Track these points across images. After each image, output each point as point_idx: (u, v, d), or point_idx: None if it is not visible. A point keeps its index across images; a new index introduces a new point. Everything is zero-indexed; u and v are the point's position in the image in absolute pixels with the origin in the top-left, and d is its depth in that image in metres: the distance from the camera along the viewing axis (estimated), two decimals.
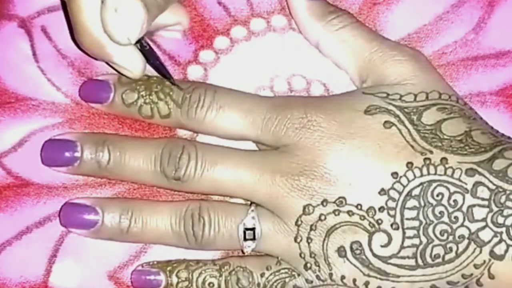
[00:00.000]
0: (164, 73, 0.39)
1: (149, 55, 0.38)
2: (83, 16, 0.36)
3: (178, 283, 0.40)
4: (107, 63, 0.39)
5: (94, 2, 0.36)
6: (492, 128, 0.40)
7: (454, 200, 0.37)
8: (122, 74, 0.39)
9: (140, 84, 0.40)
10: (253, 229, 0.40)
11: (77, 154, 0.40)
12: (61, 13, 0.42)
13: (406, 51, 0.40)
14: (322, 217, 0.38)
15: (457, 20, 0.43)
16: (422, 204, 0.38)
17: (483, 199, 0.37)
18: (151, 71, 0.40)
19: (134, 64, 0.38)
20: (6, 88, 0.42)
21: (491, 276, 0.37)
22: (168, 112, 0.40)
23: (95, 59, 0.39)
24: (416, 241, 0.38)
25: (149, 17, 0.37)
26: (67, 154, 0.40)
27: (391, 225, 0.38)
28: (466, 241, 0.37)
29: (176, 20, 0.41)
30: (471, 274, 0.38)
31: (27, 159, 0.42)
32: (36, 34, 0.42)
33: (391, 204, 0.38)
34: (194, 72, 0.43)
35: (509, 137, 0.40)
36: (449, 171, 0.38)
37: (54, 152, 0.41)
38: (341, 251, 0.38)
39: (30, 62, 0.42)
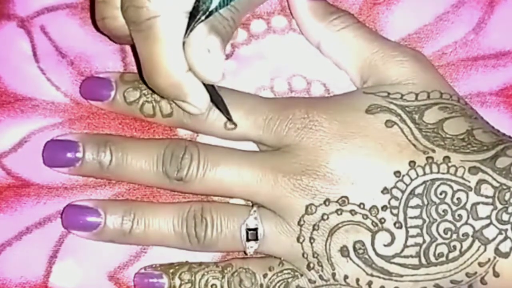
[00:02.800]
0: (223, 108, 0.39)
1: (212, 91, 0.38)
2: (164, 61, 0.36)
3: (181, 285, 0.40)
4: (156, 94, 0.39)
5: (175, 47, 0.36)
6: (493, 127, 0.40)
7: (458, 198, 0.37)
8: (184, 110, 0.39)
9: (143, 83, 0.40)
10: (255, 229, 0.39)
11: (79, 155, 0.40)
12: (60, 13, 0.42)
13: (407, 52, 0.41)
14: (325, 217, 0.38)
15: (457, 20, 0.43)
16: (426, 202, 0.38)
17: (487, 196, 0.37)
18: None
19: (204, 102, 0.38)
20: (6, 88, 0.42)
21: (496, 274, 0.37)
22: (170, 111, 0.40)
23: (154, 92, 0.39)
24: (419, 240, 0.38)
25: (224, 50, 0.37)
26: (69, 154, 0.40)
27: (394, 224, 0.38)
28: (470, 239, 0.37)
29: None
30: (475, 273, 0.38)
31: (27, 160, 0.42)
32: (36, 33, 0.42)
33: (394, 203, 0.38)
34: None
35: (510, 136, 0.40)
36: (452, 170, 0.38)
37: (56, 152, 0.40)
38: (344, 251, 0.38)
39: (29, 62, 0.42)
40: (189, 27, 0.35)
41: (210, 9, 0.35)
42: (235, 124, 0.40)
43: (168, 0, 0.35)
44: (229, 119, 0.39)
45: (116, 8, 0.36)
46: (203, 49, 0.36)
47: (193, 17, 0.35)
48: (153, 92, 0.38)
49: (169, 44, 0.35)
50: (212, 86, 0.38)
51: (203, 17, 0.35)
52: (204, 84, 0.37)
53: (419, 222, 0.38)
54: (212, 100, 0.38)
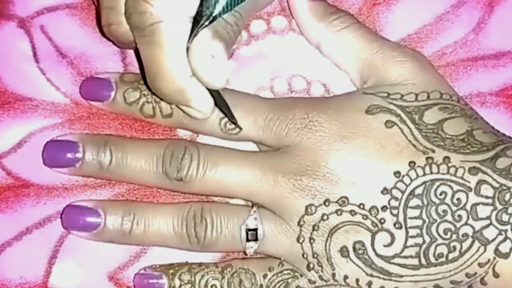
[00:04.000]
0: (227, 112, 0.39)
1: (216, 97, 0.38)
2: (168, 66, 0.36)
3: (180, 286, 0.40)
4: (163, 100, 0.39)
5: (178, 53, 0.36)
6: (493, 128, 0.40)
7: (458, 199, 0.37)
8: (187, 115, 0.39)
9: (143, 83, 0.40)
10: (255, 230, 0.39)
11: (79, 155, 0.40)
12: (60, 13, 0.42)
13: (407, 52, 0.41)
14: (325, 217, 0.38)
15: (457, 20, 0.43)
16: (425, 203, 0.38)
17: (487, 197, 0.37)
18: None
19: (208, 106, 0.38)
20: (6, 88, 0.42)
21: (496, 275, 0.37)
22: (170, 112, 0.40)
23: (160, 99, 0.39)
24: (419, 240, 0.38)
25: (227, 56, 0.37)
26: (69, 155, 0.40)
27: (394, 225, 0.38)
28: (470, 240, 0.37)
29: None
30: (475, 273, 0.38)
31: (27, 160, 0.42)
32: (36, 34, 0.42)
33: (394, 203, 0.38)
34: None
35: (510, 137, 0.40)
36: (452, 170, 0.38)
37: (56, 153, 0.40)
38: (343, 251, 0.38)
39: (29, 62, 0.42)
40: (193, 32, 0.35)
41: (213, 14, 0.35)
42: (240, 128, 0.40)
43: (172, 6, 0.35)
44: (234, 123, 0.39)
45: (121, 14, 0.36)
46: (207, 55, 0.36)
47: (196, 22, 0.35)
48: (154, 94, 0.38)
49: (172, 50, 0.35)
50: (216, 90, 0.38)
51: (206, 23, 0.35)
52: (208, 88, 0.37)
53: (419, 222, 0.38)
54: (216, 104, 0.38)
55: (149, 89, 0.38)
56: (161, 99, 0.39)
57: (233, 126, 0.40)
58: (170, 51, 0.35)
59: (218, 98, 0.38)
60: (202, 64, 0.36)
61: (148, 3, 0.35)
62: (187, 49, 0.36)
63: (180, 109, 0.39)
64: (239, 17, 0.38)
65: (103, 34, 0.39)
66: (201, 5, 0.35)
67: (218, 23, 0.36)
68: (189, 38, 0.35)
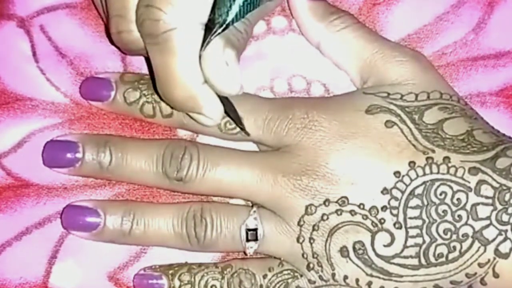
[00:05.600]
0: (236, 118, 0.39)
1: (226, 103, 0.38)
2: (180, 74, 0.36)
3: (180, 286, 0.40)
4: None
5: (191, 61, 0.36)
6: (493, 128, 0.40)
7: (458, 199, 0.37)
8: (197, 122, 0.38)
9: (143, 83, 0.40)
10: (255, 230, 0.39)
11: (79, 155, 0.40)
12: (60, 13, 0.42)
13: (407, 52, 0.41)
14: (325, 217, 0.38)
15: (457, 20, 0.43)
16: (425, 203, 0.38)
17: (487, 197, 0.37)
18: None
19: (218, 113, 0.38)
20: (5, 88, 0.42)
21: (496, 275, 0.37)
22: (170, 112, 0.40)
23: (171, 107, 0.39)
24: (419, 240, 0.38)
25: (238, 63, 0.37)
26: (68, 155, 0.40)
27: (394, 225, 0.38)
28: (470, 240, 0.37)
29: None
30: (475, 273, 0.38)
31: (27, 160, 0.42)
32: (35, 33, 0.42)
33: (394, 203, 0.38)
34: None
35: (510, 137, 0.40)
36: (452, 170, 0.38)
37: (56, 153, 0.40)
38: (343, 251, 0.38)
39: (29, 62, 0.42)
40: (206, 40, 0.35)
41: (227, 22, 0.35)
42: (248, 134, 0.39)
43: (185, 13, 0.35)
44: (242, 128, 0.39)
45: (131, 22, 0.36)
46: (221, 63, 0.36)
47: (209, 30, 0.35)
48: (156, 93, 0.38)
49: (185, 57, 0.35)
50: (225, 96, 0.38)
51: (219, 30, 0.35)
52: (218, 95, 0.37)
53: (419, 222, 0.38)
54: (225, 110, 0.38)
55: (159, 96, 0.38)
56: (171, 107, 0.38)
57: (233, 126, 0.40)
58: (183, 58, 0.35)
59: (228, 104, 0.38)
60: (216, 72, 0.36)
61: (161, 10, 0.34)
62: (200, 56, 0.36)
63: (190, 116, 0.38)
64: (248, 24, 0.38)
65: (111, 41, 0.38)
66: (213, 12, 0.35)
67: (229, 30, 0.36)
68: (202, 46, 0.35)
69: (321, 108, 0.39)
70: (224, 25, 0.35)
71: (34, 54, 0.42)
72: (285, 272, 0.39)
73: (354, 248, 0.38)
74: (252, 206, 0.40)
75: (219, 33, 0.35)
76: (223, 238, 0.40)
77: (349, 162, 0.38)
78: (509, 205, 0.37)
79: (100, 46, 0.42)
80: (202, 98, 0.36)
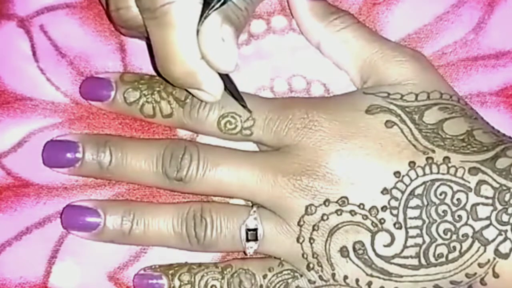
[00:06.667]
0: (237, 95, 0.39)
1: (226, 79, 0.38)
2: (179, 49, 0.36)
3: (180, 286, 0.40)
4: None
5: (189, 35, 0.35)
6: (493, 128, 0.40)
7: (458, 199, 0.37)
8: (173, 87, 0.38)
9: (143, 83, 0.40)
10: (255, 230, 0.39)
11: (79, 155, 0.40)
12: (60, 12, 0.42)
13: (406, 52, 0.41)
14: (325, 217, 0.38)
15: (457, 20, 0.43)
16: (425, 203, 0.38)
17: (487, 197, 0.37)
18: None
19: (218, 89, 0.38)
20: (5, 88, 0.42)
21: (496, 275, 0.37)
22: (170, 112, 0.40)
23: (172, 85, 0.39)
24: (419, 240, 0.38)
25: (237, 40, 0.37)
26: (68, 155, 0.40)
27: (394, 225, 0.38)
28: (470, 240, 0.37)
29: None
30: (475, 273, 0.38)
31: (27, 160, 0.42)
32: (35, 33, 0.42)
33: (394, 203, 0.38)
34: None
35: (510, 137, 0.40)
36: (452, 170, 0.38)
37: (56, 153, 0.40)
38: (343, 251, 0.38)
39: (29, 62, 0.42)
40: (203, 14, 0.35)
41: None
42: (250, 111, 0.39)
43: None
44: (244, 106, 0.39)
45: None
46: (217, 39, 0.35)
47: (207, 4, 0.35)
48: (155, 70, 0.38)
49: (183, 31, 0.35)
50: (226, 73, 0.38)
51: (217, 5, 0.35)
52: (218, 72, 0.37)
53: (419, 222, 0.38)
54: (226, 87, 0.38)
55: (158, 74, 0.37)
56: (171, 84, 0.38)
57: (233, 125, 0.40)
58: (181, 32, 0.35)
59: (228, 81, 0.38)
60: (212, 48, 0.36)
61: None
62: (197, 32, 0.36)
63: (189, 92, 0.38)
64: (249, 2, 0.38)
65: (111, 20, 0.38)
66: None
67: (228, 7, 0.36)
68: (200, 20, 0.35)
69: (321, 108, 0.39)
70: (222, 0, 0.35)
71: (34, 54, 0.42)
72: (285, 272, 0.39)
73: (354, 248, 0.38)
74: (252, 206, 0.40)
75: (217, 8, 0.35)
76: (223, 238, 0.40)
77: (349, 162, 0.38)
78: (509, 205, 0.37)
79: (100, 46, 0.42)
80: (201, 74, 0.36)
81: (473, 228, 0.37)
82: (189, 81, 0.37)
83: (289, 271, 0.39)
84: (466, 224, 0.37)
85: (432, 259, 0.38)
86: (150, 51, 0.40)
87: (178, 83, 0.37)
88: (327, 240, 0.38)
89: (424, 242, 0.38)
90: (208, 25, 0.35)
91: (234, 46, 0.36)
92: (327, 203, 0.38)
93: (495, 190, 0.37)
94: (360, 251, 0.38)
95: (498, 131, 0.40)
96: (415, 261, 0.38)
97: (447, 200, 0.37)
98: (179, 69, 0.36)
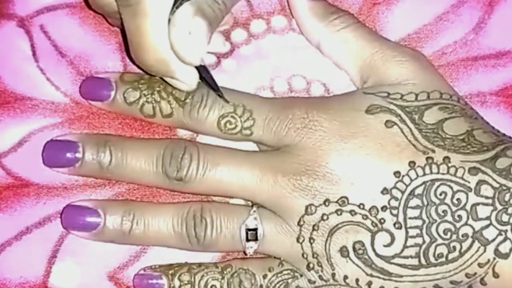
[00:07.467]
0: (213, 86, 0.39)
1: (201, 69, 0.38)
2: (151, 37, 0.36)
3: (180, 286, 0.40)
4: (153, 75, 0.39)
5: (162, 23, 0.36)
6: (493, 127, 0.40)
7: (458, 199, 0.37)
8: (173, 87, 0.39)
9: (143, 83, 0.40)
10: (255, 229, 0.39)
11: (79, 155, 0.40)
12: (60, 12, 0.42)
13: (406, 52, 0.41)
14: (325, 217, 0.38)
15: (457, 20, 0.43)
16: (425, 203, 0.38)
17: (487, 197, 0.37)
18: None
19: (192, 78, 0.38)
20: (5, 88, 0.42)
21: (496, 275, 0.37)
22: (170, 112, 0.40)
23: (149, 74, 0.39)
24: (419, 240, 0.38)
25: (211, 34, 0.37)
26: (68, 155, 0.40)
27: (394, 225, 0.38)
28: (470, 240, 0.37)
29: None
30: (475, 273, 0.38)
31: (27, 159, 0.42)
32: (35, 33, 0.42)
33: (394, 203, 0.38)
34: None
35: (510, 137, 0.40)
36: (452, 170, 0.38)
37: (56, 152, 0.40)
38: (343, 251, 0.38)
39: (29, 62, 0.42)
40: (176, 4, 0.35)
41: None
42: (227, 101, 0.39)
43: None
44: (220, 95, 0.39)
45: None
46: (185, 30, 0.36)
47: None
48: (128, 57, 0.38)
49: (156, 20, 0.36)
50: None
51: None
52: None
53: (418, 222, 0.38)
54: (201, 77, 0.38)
55: (132, 61, 0.38)
56: (146, 72, 0.38)
57: (233, 125, 0.40)
58: (153, 21, 0.36)
59: (203, 70, 0.38)
60: (179, 39, 0.36)
61: None
62: (169, 21, 0.36)
63: (165, 81, 0.38)
64: None
65: (89, 6, 0.39)
66: None
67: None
68: (172, 9, 0.35)
69: (321, 108, 0.39)
70: None
71: (34, 53, 0.42)
72: (285, 272, 0.39)
73: (354, 248, 0.38)
74: (252, 206, 0.40)
75: None
76: (223, 238, 0.40)
77: (349, 162, 0.38)
78: (509, 205, 0.37)
79: (100, 46, 0.42)
80: (174, 63, 0.37)
81: (473, 228, 0.37)
82: (162, 70, 0.37)
83: (289, 271, 0.39)
84: (466, 224, 0.37)
85: (432, 259, 0.38)
86: (124, 39, 0.40)
87: (152, 70, 0.37)
88: (327, 240, 0.38)
89: (424, 242, 0.38)
90: (178, 15, 0.36)
91: (203, 39, 0.36)
92: (327, 203, 0.38)
93: (495, 190, 0.37)
94: (360, 251, 0.38)
95: (498, 131, 0.40)
96: (415, 261, 0.38)
97: (447, 200, 0.37)
98: (152, 57, 0.36)
